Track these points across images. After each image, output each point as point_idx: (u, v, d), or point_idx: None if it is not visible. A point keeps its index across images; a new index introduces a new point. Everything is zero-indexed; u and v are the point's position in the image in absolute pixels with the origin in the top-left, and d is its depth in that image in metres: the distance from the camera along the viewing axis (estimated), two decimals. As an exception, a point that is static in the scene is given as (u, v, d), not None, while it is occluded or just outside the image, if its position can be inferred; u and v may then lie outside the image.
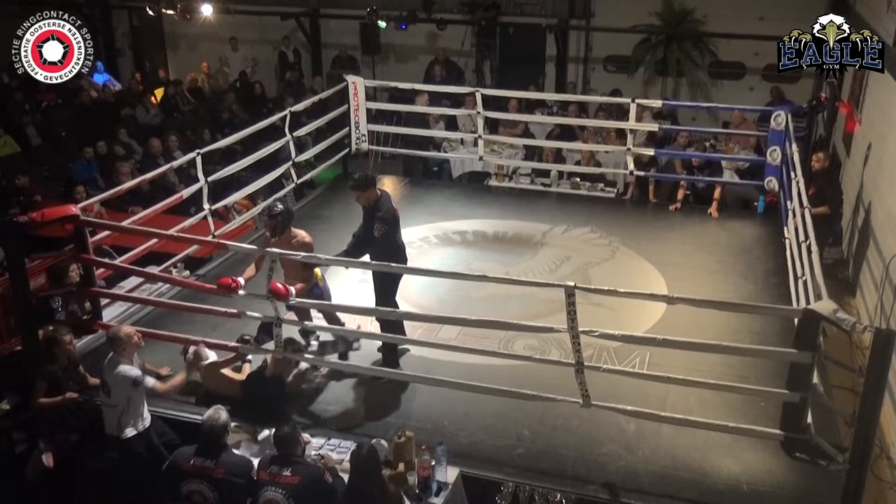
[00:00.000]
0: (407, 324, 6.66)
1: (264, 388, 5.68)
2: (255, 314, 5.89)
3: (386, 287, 6.08)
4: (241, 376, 5.85)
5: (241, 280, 5.80)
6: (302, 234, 6.11)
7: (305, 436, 5.03)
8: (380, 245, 5.99)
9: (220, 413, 4.79)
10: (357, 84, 10.24)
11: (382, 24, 13.88)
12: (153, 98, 13.92)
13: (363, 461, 4.49)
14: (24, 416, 5.85)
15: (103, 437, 5.28)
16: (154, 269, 7.00)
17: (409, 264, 7.39)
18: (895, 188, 7.55)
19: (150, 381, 5.31)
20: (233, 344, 5.97)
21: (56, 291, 6.45)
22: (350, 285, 7.34)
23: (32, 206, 8.32)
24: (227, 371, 5.86)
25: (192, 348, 5.93)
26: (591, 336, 5.09)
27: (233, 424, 5.26)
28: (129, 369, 5.19)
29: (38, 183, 10.08)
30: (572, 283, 4.95)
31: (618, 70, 14.35)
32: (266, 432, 5.27)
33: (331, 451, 5.11)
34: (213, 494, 4.63)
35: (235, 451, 4.90)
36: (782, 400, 5.15)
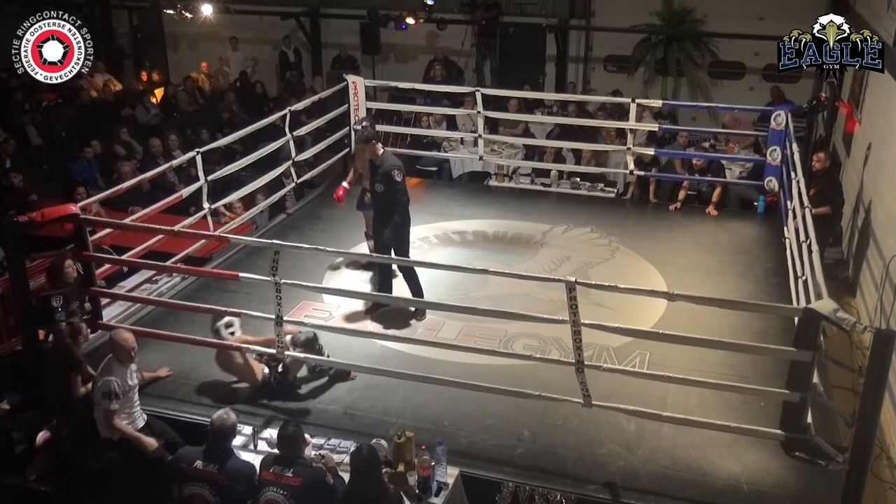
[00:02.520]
0: (406, 324, 6.74)
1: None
2: (255, 314, 5.90)
3: (402, 239, 6.89)
4: (259, 368, 5.86)
5: (346, 184, 7.77)
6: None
7: (307, 437, 5.03)
8: (402, 191, 6.77)
9: (229, 415, 4.77)
10: (357, 84, 10.23)
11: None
12: (153, 98, 13.93)
13: (364, 463, 4.48)
14: (25, 415, 5.85)
15: (99, 438, 5.29)
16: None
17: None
18: (895, 188, 7.55)
19: (114, 406, 5.16)
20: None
21: (56, 291, 6.45)
22: (352, 282, 7.39)
23: (28, 205, 8.31)
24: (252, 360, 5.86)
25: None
26: (592, 328, 5.10)
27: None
28: (110, 381, 5.13)
29: (34, 182, 10.09)
30: (573, 279, 4.97)
31: (618, 70, 14.36)
32: (269, 432, 5.27)
33: (330, 451, 5.10)
34: (214, 498, 4.62)
35: (240, 455, 4.88)
36: (782, 400, 5.16)
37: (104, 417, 5.20)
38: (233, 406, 5.63)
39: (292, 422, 4.84)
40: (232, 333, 5.90)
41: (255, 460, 4.83)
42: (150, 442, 5.26)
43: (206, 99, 14.18)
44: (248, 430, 5.31)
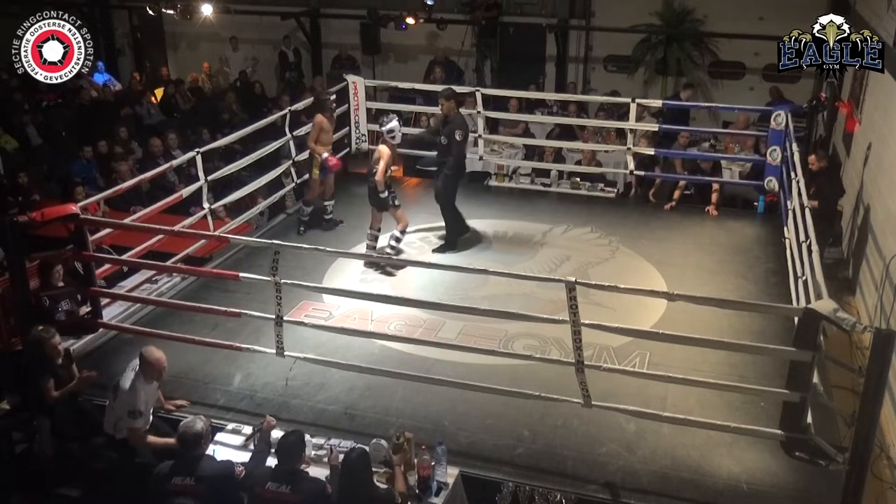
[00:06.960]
0: (406, 324, 6.75)
1: None
2: (255, 314, 5.90)
3: (450, 190, 8.16)
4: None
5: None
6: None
7: (307, 437, 4.99)
8: (459, 149, 7.99)
9: (195, 422, 4.64)
10: (357, 84, 10.24)
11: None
12: (153, 98, 13.92)
13: (350, 466, 4.46)
14: (25, 415, 5.84)
15: (102, 434, 5.28)
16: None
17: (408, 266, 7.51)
18: (895, 188, 7.55)
19: (139, 424, 5.10)
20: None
21: (57, 291, 6.44)
22: (352, 282, 7.38)
23: (31, 205, 8.32)
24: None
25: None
26: (592, 328, 5.10)
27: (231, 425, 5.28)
28: (137, 401, 5.07)
29: (36, 182, 10.08)
30: (573, 279, 4.97)
31: (618, 70, 14.36)
32: (249, 429, 5.25)
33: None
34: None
35: (238, 455, 4.84)
36: (782, 400, 5.16)
37: (130, 436, 5.12)
38: (233, 406, 5.67)
39: (296, 432, 4.73)
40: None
41: (236, 457, 4.80)
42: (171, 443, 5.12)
43: (205, 99, 14.16)
44: (247, 429, 5.31)
